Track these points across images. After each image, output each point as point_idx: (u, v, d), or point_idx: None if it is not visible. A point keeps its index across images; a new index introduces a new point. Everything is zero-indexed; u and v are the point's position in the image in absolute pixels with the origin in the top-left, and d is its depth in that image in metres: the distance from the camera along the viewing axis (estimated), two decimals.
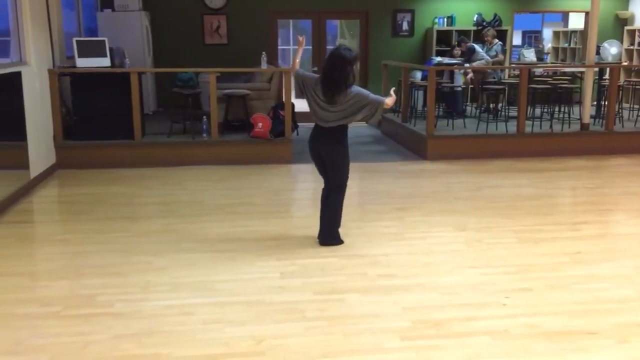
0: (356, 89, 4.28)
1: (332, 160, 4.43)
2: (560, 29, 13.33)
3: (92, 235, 4.81)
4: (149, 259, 4.26)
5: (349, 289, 3.78)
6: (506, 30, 10.89)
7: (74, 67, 7.17)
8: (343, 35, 13.74)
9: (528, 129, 8.05)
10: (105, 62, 7.23)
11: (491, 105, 8.96)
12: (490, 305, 3.55)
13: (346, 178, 4.54)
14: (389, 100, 4.33)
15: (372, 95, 4.34)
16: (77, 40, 7.25)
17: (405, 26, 10.79)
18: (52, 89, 6.90)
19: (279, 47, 11.14)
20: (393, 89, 4.71)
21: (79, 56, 7.09)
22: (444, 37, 10.85)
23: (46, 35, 6.84)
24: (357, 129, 10.40)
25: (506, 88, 9.09)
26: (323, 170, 4.56)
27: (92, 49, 7.18)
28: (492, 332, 3.22)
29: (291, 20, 12.11)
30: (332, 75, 4.20)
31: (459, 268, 4.13)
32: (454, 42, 10.32)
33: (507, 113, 8.56)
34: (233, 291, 3.75)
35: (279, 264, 4.19)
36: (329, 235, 4.53)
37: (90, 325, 3.28)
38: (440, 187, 6.40)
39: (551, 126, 8.26)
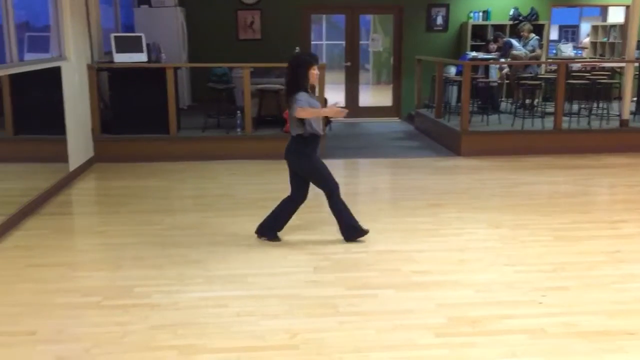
0: (298, 95, 4.17)
1: (299, 171, 4.43)
2: (599, 23, 13.02)
3: (129, 227, 4.90)
4: (184, 252, 4.32)
5: (383, 284, 3.77)
6: (543, 25, 10.68)
7: (112, 62, 7.30)
8: (375, 30, 13.67)
9: (565, 125, 7.90)
10: (142, 57, 7.34)
11: (527, 101, 8.82)
12: (526, 304, 3.50)
13: (327, 183, 4.43)
14: (301, 111, 4.11)
15: (296, 103, 4.14)
16: (114, 36, 7.37)
17: (439, 21, 10.68)
18: (91, 83, 7.04)
19: (312, 43, 11.13)
20: (336, 102, 4.53)
21: (117, 52, 7.21)
22: (479, 31, 10.70)
23: (85, 31, 6.98)
24: (390, 124, 10.38)
25: (543, 83, 8.93)
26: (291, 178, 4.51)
27: (129, 45, 7.30)
28: (529, 330, 3.18)
29: (324, 15, 12.09)
30: (285, 79, 4.33)
31: (494, 265, 4.09)
32: (490, 37, 10.18)
33: (543, 109, 8.41)
34: (267, 285, 3.78)
35: (312, 259, 4.21)
36: (349, 234, 4.51)
37: (128, 315, 3.35)
38: (474, 184, 6.34)
39: (589, 122, 8.09)
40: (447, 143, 8.07)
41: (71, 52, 6.47)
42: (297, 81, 4.18)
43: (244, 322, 3.28)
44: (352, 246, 4.45)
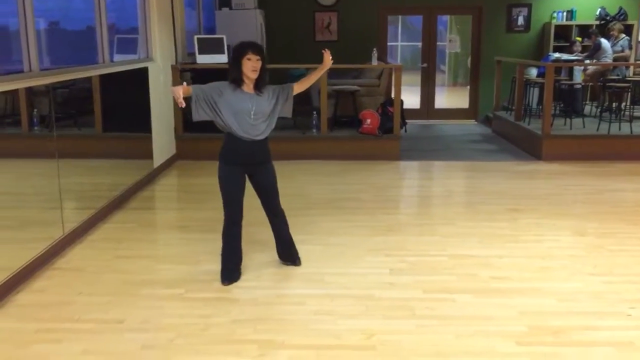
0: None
1: None
2: None
3: (207, 223, 5.03)
4: (261, 249, 4.39)
5: (460, 289, 3.71)
6: (632, 25, 10.18)
7: (195, 63, 7.53)
8: (452, 30, 13.45)
9: None
10: (223, 58, 7.51)
11: (614, 104, 8.43)
12: (614, 315, 3.36)
13: (224, 207, 3.82)
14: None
15: None
16: (197, 38, 7.60)
17: (520, 21, 10.38)
18: (175, 83, 7.28)
19: (388, 44, 11.08)
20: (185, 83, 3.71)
21: (199, 53, 7.44)
22: (562, 32, 10.33)
23: (170, 33, 7.24)
24: (466, 127, 10.19)
25: (631, 86, 8.52)
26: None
27: (211, 46, 7.50)
28: (616, 343, 3.04)
29: (400, 17, 12.01)
30: None
31: (579, 274, 3.93)
32: (574, 37, 9.81)
33: (631, 112, 8.02)
34: (343, 284, 3.80)
35: (388, 260, 4.19)
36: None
37: (210, 308, 3.45)
38: (556, 189, 6.12)
39: None
40: (527, 147, 7.84)
41: (157, 54, 6.74)
42: (230, 71, 3.66)
43: (321, 321, 3.31)
44: (429, 249, 4.40)
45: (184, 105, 3.44)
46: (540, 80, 8.39)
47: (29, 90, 4.26)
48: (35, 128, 4.52)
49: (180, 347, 3.05)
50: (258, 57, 3.58)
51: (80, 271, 4.02)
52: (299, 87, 3.86)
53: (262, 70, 3.63)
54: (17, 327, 3.24)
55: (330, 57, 3.85)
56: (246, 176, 3.87)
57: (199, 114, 3.65)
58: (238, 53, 3.60)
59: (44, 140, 4.51)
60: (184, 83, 3.63)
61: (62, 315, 3.37)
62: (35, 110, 4.48)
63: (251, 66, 3.57)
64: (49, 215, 4.38)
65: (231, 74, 3.65)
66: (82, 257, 4.28)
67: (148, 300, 3.57)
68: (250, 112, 3.66)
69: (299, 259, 4.12)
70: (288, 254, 4.10)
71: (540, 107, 8.24)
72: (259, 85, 3.68)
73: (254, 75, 3.61)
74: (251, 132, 3.69)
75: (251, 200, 5.87)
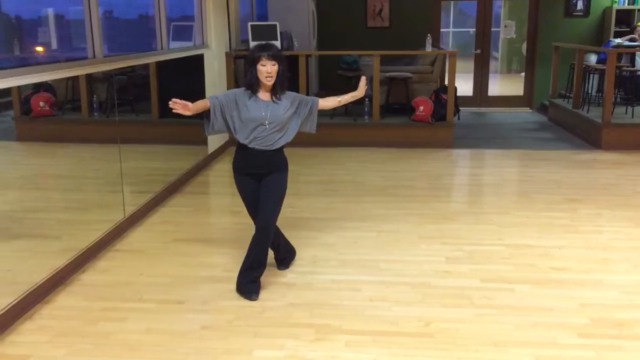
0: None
1: None
2: None
3: None
4: (316, 235, 4.43)
5: (519, 279, 3.65)
6: None
7: (248, 50, 7.58)
8: (506, 16, 13.12)
9: None
10: (277, 45, 7.56)
11: None
12: None
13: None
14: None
15: None
16: (251, 25, 7.66)
17: (579, 6, 10.04)
18: (228, 70, 7.38)
19: (441, 30, 10.90)
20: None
21: (253, 39, 7.48)
22: (624, 17, 9.94)
23: (224, 20, 7.32)
24: (521, 114, 9.97)
25: None
26: None
27: (264, 33, 7.54)
28: None
29: (452, 2, 11.80)
30: None
31: None
32: (637, 23, 9.43)
33: None
34: (398, 272, 3.79)
35: (444, 248, 4.15)
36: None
37: (266, 292, 3.49)
38: (616, 179, 5.93)
39: None
40: (586, 135, 7.61)
41: (212, 40, 6.82)
42: (245, 76, 3.39)
43: (377, 307, 3.32)
44: (485, 238, 4.34)
45: (191, 112, 3.29)
46: (600, 66, 8.11)
47: (89, 77, 4.38)
48: (95, 114, 4.66)
49: (239, 328, 3.11)
50: (273, 63, 3.28)
51: (140, 253, 4.13)
52: (324, 104, 3.63)
53: (280, 76, 3.34)
54: (84, 305, 3.36)
55: (366, 85, 3.75)
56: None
57: (214, 128, 3.44)
58: (252, 57, 3.31)
59: (106, 126, 4.64)
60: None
61: (125, 295, 3.48)
62: (95, 96, 4.61)
63: (265, 72, 3.28)
64: (111, 198, 4.52)
65: (246, 79, 3.36)
66: (142, 239, 4.40)
67: (206, 283, 3.64)
68: (264, 121, 3.36)
69: (256, 293, 3.45)
70: (250, 279, 3.48)
71: (600, 94, 7.98)
72: (276, 92, 3.38)
73: (269, 82, 3.31)
74: (263, 143, 3.39)
75: (306, 187, 5.93)
